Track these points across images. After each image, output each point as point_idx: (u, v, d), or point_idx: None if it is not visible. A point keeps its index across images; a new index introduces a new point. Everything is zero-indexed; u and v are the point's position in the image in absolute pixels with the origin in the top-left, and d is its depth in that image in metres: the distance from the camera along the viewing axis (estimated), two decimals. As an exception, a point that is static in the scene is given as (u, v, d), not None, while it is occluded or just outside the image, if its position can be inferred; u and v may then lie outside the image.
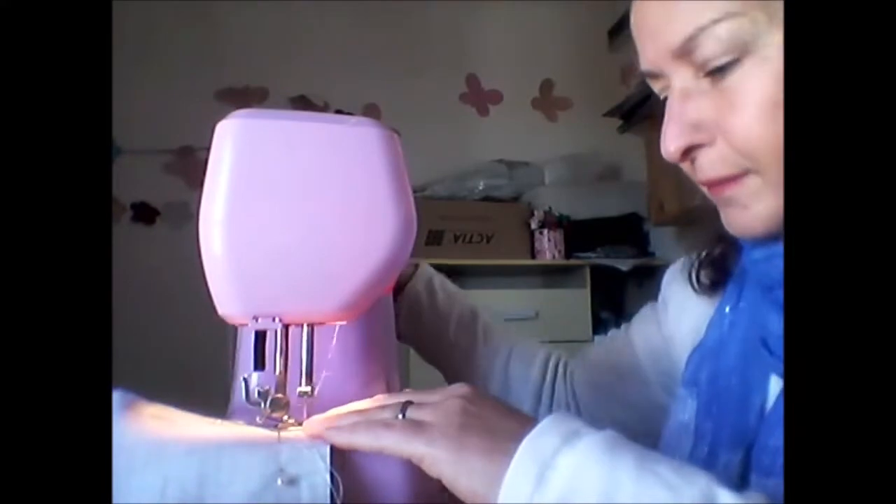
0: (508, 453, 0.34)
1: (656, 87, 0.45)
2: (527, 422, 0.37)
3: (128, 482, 0.34)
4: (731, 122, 0.40)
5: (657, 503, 0.31)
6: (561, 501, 0.32)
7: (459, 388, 0.41)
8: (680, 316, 0.59)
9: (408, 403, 0.40)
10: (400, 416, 0.39)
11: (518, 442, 0.34)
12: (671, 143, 0.42)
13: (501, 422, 0.38)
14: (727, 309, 0.51)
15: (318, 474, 0.37)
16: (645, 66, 0.45)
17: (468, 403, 0.39)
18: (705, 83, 0.41)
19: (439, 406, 0.39)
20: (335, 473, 0.37)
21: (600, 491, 0.32)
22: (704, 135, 0.42)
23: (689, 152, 0.43)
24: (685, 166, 0.44)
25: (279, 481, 0.36)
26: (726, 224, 0.44)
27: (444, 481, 0.35)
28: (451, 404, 0.39)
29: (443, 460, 0.35)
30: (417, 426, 0.37)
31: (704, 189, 0.45)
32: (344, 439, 0.39)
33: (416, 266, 0.72)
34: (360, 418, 0.40)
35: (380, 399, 0.43)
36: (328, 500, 0.36)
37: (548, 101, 2.46)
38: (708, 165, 0.42)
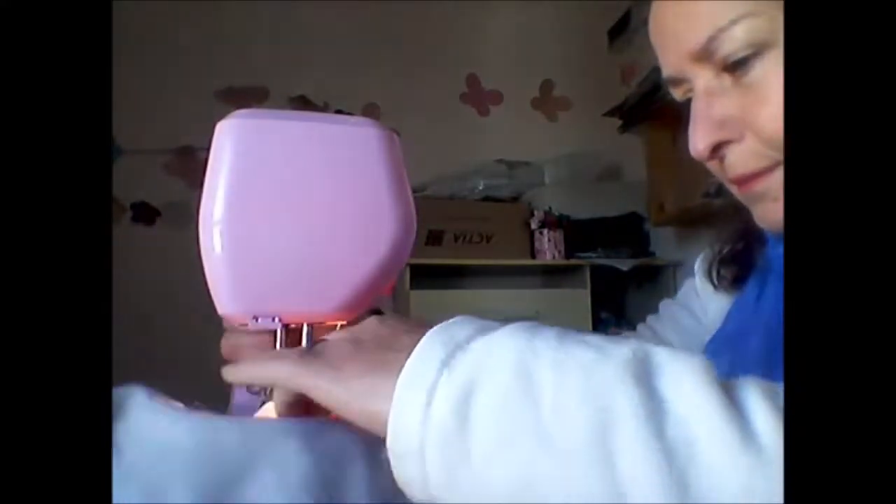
0: (399, 362, 0.30)
1: (678, 92, 0.46)
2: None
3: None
4: (758, 116, 0.40)
5: (580, 363, 0.27)
6: (469, 381, 0.28)
7: (365, 321, 0.38)
8: (707, 304, 0.59)
9: (318, 342, 0.37)
10: (304, 346, 0.38)
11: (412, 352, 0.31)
12: (700, 142, 0.42)
13: (396, 338, 0.34)
14: (750, 299, 0.51)
15: None
16: (667, 72, 0.45)
17: (363, 332, 0.36)
18: (727, 81, 0.41)
19: (335, 340, 0.36)
20: None
21: (515, 362, 0.28)
22: (732, 131, 0.42)
23: (717, 150, 0.43)
24: (713, 166, 0.45)
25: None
26: (759, 220, 0.44)
27: (340, 413, 0.32)
28: (345, 335, 0.36)
29: (329, 390, 0.32)
30: (306, 359, 0.34)
31: (733, 187, 0.45)
32: (241, 375, 0.38)
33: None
34: (257, 353, 0.39)
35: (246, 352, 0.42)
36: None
37: (548, 101, 2.46)
38: (738, 162, 0.42)
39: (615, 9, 2.25)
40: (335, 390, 0.32)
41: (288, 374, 0.34)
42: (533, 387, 0.27)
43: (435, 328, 0.32)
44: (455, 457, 0.27)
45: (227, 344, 0.49)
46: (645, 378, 0.27)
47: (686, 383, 0.26)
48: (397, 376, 0.30)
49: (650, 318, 0.66)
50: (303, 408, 0.38)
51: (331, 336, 0.38)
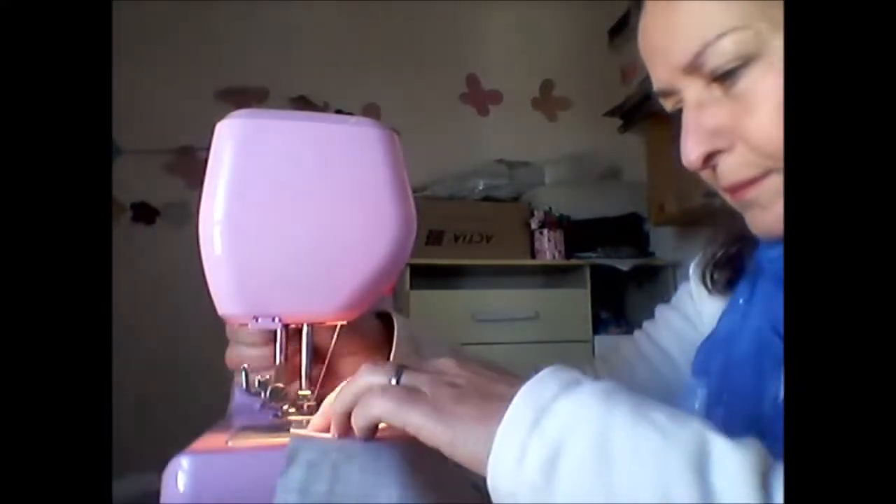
0: (501, 413, 0.34)
1: (669, 104, 0.47)
2: (520, 383, 0.36)
3: None
4: (748, 125, 0.41)
5: (650, 446, 0.31)
6: (555, 445, 0.32)
7: (447, 363, 0.40)
8: (702, 308, 0.60)
9: (402, 367, 0.39)
10: (394, 381, 0.38)
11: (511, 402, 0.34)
12: (692, 151, 0.43)
13: (493, 386, 0.37)
14: (740, 302, 0.51)
15: None
16: (658, 86, 0.46)
17: (458, 377, 0.38)
18: (717, 92, 0.42)
19: (433, 376, 0.38)
20: None
21: (594, 434, 0.32)
22: (723, 141, 0.43)
23: (709, 160, 0.44)
24: (706, 174, 0.46)
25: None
26: (751, 226, 0.46)
27: (443, 452, 0.35)
28: (440, 378, 0.38)
29: (438, 433, 0.35)
30: (412, 396, 0.36)
31: (726, 195, 0.46)
32: (337, 408, 0.38)
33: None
34: (354, 388, 0.39)
35: (368, 366, 0.41)
36: None
37: (548, 101, 2.46)
38: (730, 171, 0.43)
39: (615, 9, 2.25)
40: (445, 433, 0.35)
41: (395, 408, 0.36)
42: (609, 458, 0.31)
43: (525, 387, 0.35)
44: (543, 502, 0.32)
45: (231, 355, 0.49)
46: (703, 471, 0.30)
47: (734, 481, 0.29)
48: (496, 428, 0.33)
49: (646, 324, 0.66)
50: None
51: (415, 366, 0.39)
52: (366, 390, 0.38)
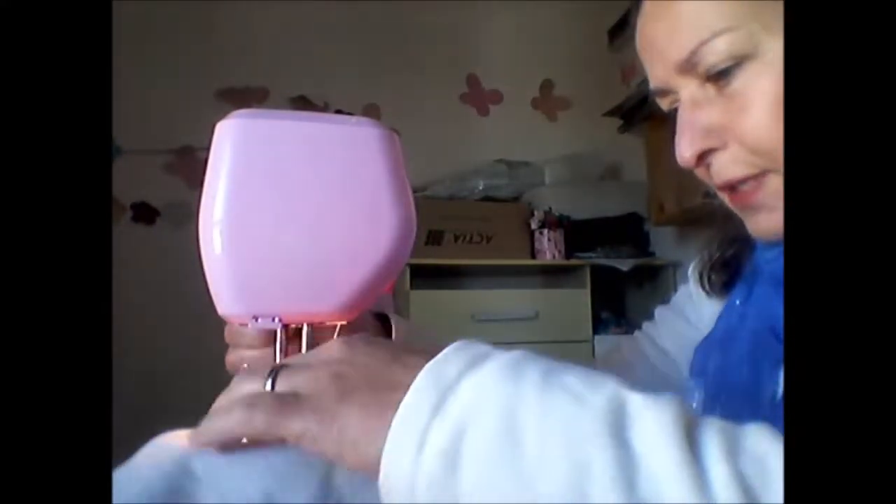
0: (394, 405, 0.30)
1: (664, 103, 0.48)
2: (421, 363, 0.32)
3: None
4: (741, 124, 0.42)
5: (561, 414, 0.28)
6: (458, 429, 0.29)
7: (331, 347, 0.36)
8: (702, 308, 0.60)
9: (279, 367, 0.35)
10: (269, 385, 0.34)
11: (408, 388, 0.30)
12: (686, 149, 0.44)
13: (386, 372, 0.33)
14: (737, 303, 0.51)
15: None
16: (654, 84, 0.47)
17: (344, 364, 0.34)
18: (712, 91, 0.43)
19: (313, 371, 0.34)
20: None
21: (503, 408, 0.29)
22: (717, 139, 0.43)
23: (703, 158, 0.44)
24: (701, 173, 0.46)
25: None
26: (754, 231, 0.46)
27: (333, 460, 0.32)
28: (322, 369, 0.34)
29: (321, 439, 0.31)
30: (286, 403, 0.32)
31: (722, 194, 0.46)
32: (206, 437, 0.34)
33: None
34: (222, 403, 0.35)
35: (241, 373, 0.38)
36: None
37: (548, 101, 2.46)
38: (723, 168, 0.44)
39: (615, 9, 2.25)
40: (329, 437, 0.31)
41: (266, 423, 0.32)
42: (518, 434, 0.28)
43: (428, 367, 0.31)
44: (443, 499, 0.28)
45: (230, 358, 0.49)
46: (619, 433, 0.28)
47: (654, 439, 0.27)
48: (390, 420, 0.30)
49: (646, 325, 0.66)
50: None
51: (296, 363, 0.36)
52: (239, 401, 0.33)
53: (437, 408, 0.29)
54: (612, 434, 0.28)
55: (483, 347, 0.33)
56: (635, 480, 0.26)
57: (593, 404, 0.29)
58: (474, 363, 0.31)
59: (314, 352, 0.37)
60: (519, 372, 0.31)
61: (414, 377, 0.31)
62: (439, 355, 0.32)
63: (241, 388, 0.35)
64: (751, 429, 0.29)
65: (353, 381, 0.33)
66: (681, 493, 0.26)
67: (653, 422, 0.28)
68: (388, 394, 0.31)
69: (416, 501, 0.29)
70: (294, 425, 0.31)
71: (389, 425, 0.30)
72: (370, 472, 0.30)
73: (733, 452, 0.27)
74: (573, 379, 0.30)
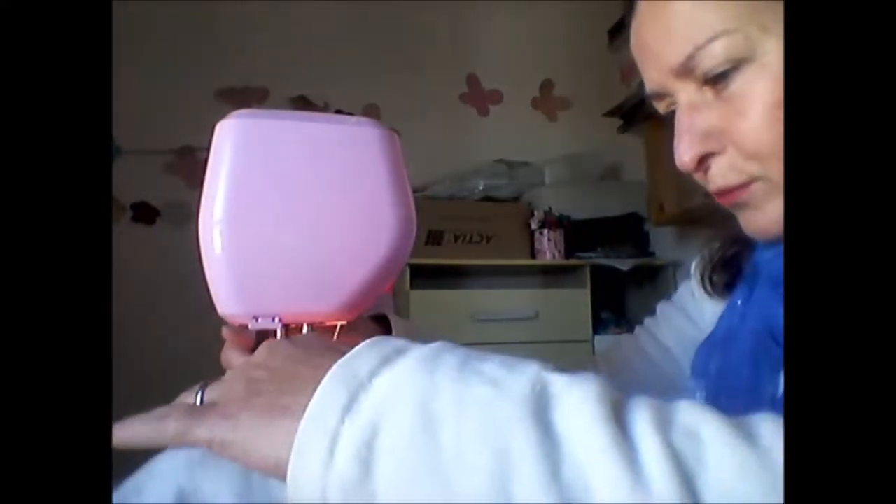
0: (300, 407, 0.29)
1: (661, 106, 0.47)
2: (330, 361, 0.31)
3: None
4: (738, 127, 0.41)
5: (479, 402, 0.27)
6: (371, 426, 0.27)
7: (258, 352, 0.36)
8: (703, 307, 0.60)
9: (207, 384, 0.35)
10: (199, 397, 0.35)
11: (315, 388, 0.29)
12: (685, 153, 0.43)
13: (293, 376, 0.32)
14: (738, 303, 0.51)
15: None
16: (650, 88, 0.46)
17: (257, 368, 0.34)
18: (709, 94, 0.42)
19: (229, 381, 0.34)
20: None
21: (417, 402, 0.28)
22: (715, 143, 0.43)
23: (702, 162, 0.44)
24: (699, 176, 0.46)
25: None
26: (744, 227, 0.46)
27: (241, 464, 0.31)
28: (238, 375, 0.34)
29: (228, 442, 0.31)
30: (194, 412, 0.32)
31: (716, 198, 0.46)
32: (121, 437, 0.34)
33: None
34: (141, 416, 0.35)
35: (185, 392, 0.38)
36: None
37: (548, 101, 2.46)
38: (719, 174, 0.44)
39: (615, 9, 2.24)
40: (233, 443, 0.31)
41: (178, 430, 0.32)
42: (434, 428, 0.27)
43: (338, 364, 0.30)
44: (359, 501, 0.27)
45: (223, 357, 0.50)
46: (541, 415, 0.26)
47: (581, 419, 0.26)
48: (297, 421, 0.29)
49: (647, 321, 0.66)
50: None
51: (227, 374, 0.36)
52: (161, 410, 0.34)
53: (348, 407, 0.28)
54: (533, 417, 0.26)
55: (398, 343, 0.32)
56: (559, 464, 0.25)
57: (512, 389, 0.28)
58: (388, 359, 0.30)
59: (244, 360, 0.37)
60: (434, 364, 0.29)
61: (322, 376, 0.30)
62: (350, 353, 0.31)
63: (179, 399, 0.36)
64: (682, 404, 0.28)
65: (263, 384, 0.33)
66: (609, 472, 0.24)
67: (577, 402, 0.27)
68: (291, 398, 0.31)
69: None
70: (201, 432, 0.31)
71: (293, 429, 0.28)
72: (279, 475, 0.29)
73: (663, 427, 0.26)
74: (491, 365, 0.29)
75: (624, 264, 2.02)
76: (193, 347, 1.77)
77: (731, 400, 0.47)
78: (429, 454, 0.26)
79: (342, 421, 0.28)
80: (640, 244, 2.13)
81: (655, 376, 0.61)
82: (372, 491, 0.27)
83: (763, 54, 0.39)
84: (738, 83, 0.41)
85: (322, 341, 0.36)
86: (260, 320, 0.42)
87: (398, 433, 0.27)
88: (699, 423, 0.26)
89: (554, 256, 2.02)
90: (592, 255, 2.04)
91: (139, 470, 0.36)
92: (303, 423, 0.28)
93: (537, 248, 2.05)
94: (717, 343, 0.52)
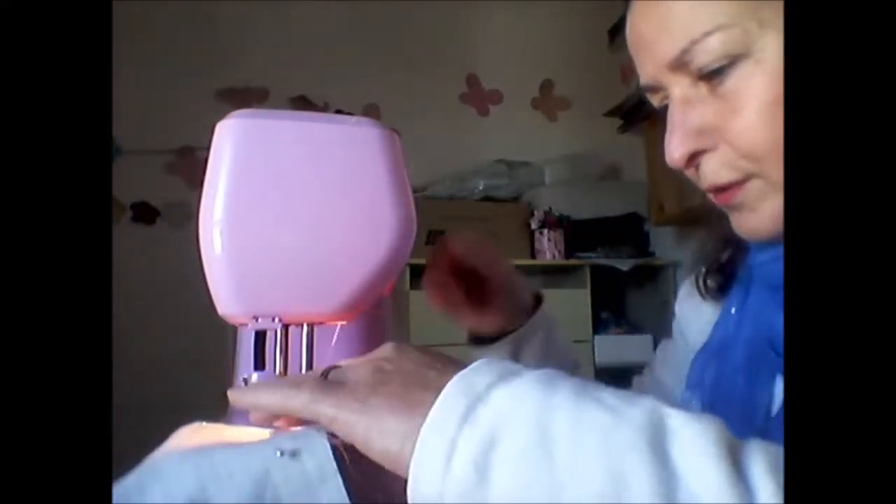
0: (425, 403, 0.30)
1: (655, 100, 0.46)
2: (453, 371, 0.32)
3: None
4: (733, 125, 0.40)
5: (596, 426, 0.28)
6: (489, 436, 0.28)
7: (383, 348, 0.38)
8: (689, 323, 0.59)
9: (332, 368, 0.37)
10: (322, 376, 0.36)
11: (439, 391, 0.31)
12: (675, 150, 0.43)
13: (421, 373, 0.34)
14: (733, 310, 0.51)
15: (318, 444, 0.35)
16: (644, 81, 0.45)
17: (386, 362, 0.35)
18: (704, 90, 0.41)
19: (356, 367, 0.36)
20: (334, 442, 0.35)
21: (534, 419, 0.28)
22: (708, 140, 0.42)
23: (693, 159, 0.43)
24: (690, 174, 0.45)
25: (278, 453, 0.36)
26: (736, 228, 0.45)
27: (358, 447, 0.32)
28: (366, 364, 0.36)
29: (352, 423, 0.32)
30: (326, 387, 0.34)
31: (710, 196, 0.45)
32: (248, 399, 0.36)
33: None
34: (273, 379, 0.37)
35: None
36: (335, 466, 0.35)
37: (548, 101, 2.46)
38: (712, 172, 0.43)
39: (615, 9, 2.24)
40: (358, 424, 0.32)
41: (306, 401, 0.33)
42: (551, 446, 0.28)
43: (457, 376, 0.31)
44: None
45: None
46: (659, 446, 0.27)
47: (698, 454, 0.26)
48: (421, 418, 0.30)
49: (652, 361, 0.66)
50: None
51: (347, 363, 0.37)
52: (288, 380, 0.36)
53: (466, 416, 0.29)
54: (651, 448, 0.27)
55: (513, 365, 0.33)
56: (674, 496, 0.25)
57: (630, 417, 0.28)
58: (504, 376, 0.31)
59: (371, 353, 0.38)
60: (551, 385, 0.30)
61: (446, 382, 0.31)
62: (469, 367, 0.32)
63: (298, 375, 0.37)
64: None
65: (389, 376, 0.34)
66: None
67: (695, 438, 0.27)
68: (416, 392, 0.32)
69: None
70: (327, 408, 0.33)
71: (415, 425, 0.30)
72: (395, 467, 0.30)
73: (778, 472, 0.26)
74: (608, 394, 0.30)
75: (624, 264, 2.02)
76: (193, 347, 1.78)
77: (726, 410, 0.47)
78: (543, 471, 0.27)
79: (460, 430, 0.29)
80: (640, 244, 2.13)
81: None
82: (486, 498, 0.27)
83: (760, 50, 0.39)
84: (733, 79, 0.40)
85: (447, 355, 0.37)
86: (260, 320, 0.42)
87: (514, 446, 0.28)
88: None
89: (554, 256, 2.02)
90: (592, 255, 2.04)
91: (139, 467, 0.36)
92: (424, 427, 0.29)
93: (537, 248, 2.05)
94: (712, 353, 0.51)
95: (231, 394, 0.37)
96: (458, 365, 0.33)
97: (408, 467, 0.29)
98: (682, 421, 0.28)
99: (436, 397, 0.30)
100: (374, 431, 0.31)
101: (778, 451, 0.28)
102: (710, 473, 0.26)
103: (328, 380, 0.35)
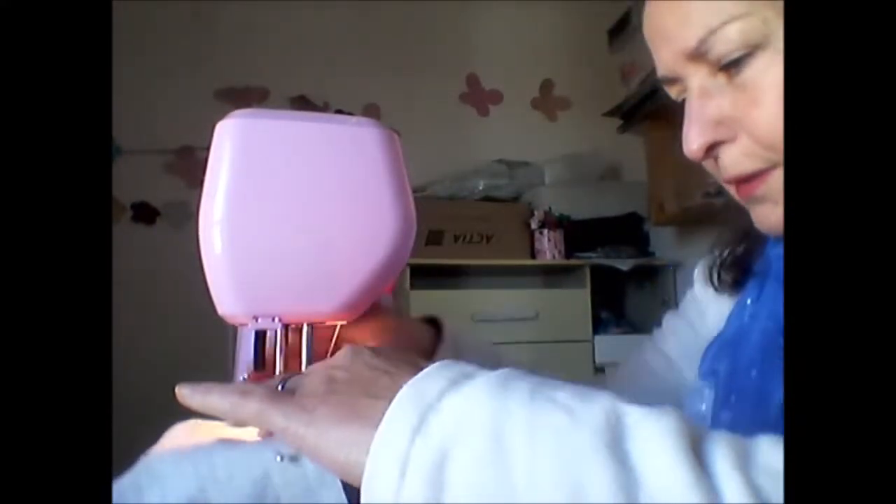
0: (375, 412, 0.30)
1: (673, 92, 0.46)
2: (409, 375, 0.32)
3: None
4: (752, 116, 0.40)
5: (552, 429, 0.27)
6: (441, 448, 0.27)
7: (339, 353, 0.37)
8: (706, 311, 0.59)
9: (290, 375, 0.37)
10: (280, 385, 0.36)
11: (390, 401, 0.30)
12: (694, 141, 0.42)
13: (374, 380, 0.33)
14: (748, 301, 0.50)
15: None
16: (661, 72, 0.45)
17: (339, 369, 0.35)
18: (722, 80, 0.41)
19: (309, 375, 0.35)
20: None
21: (488, 426, 0.28)
22: (726, 131, 0.42)
23: (711, 150, 0.43)
24: (709, 165, 0.44)
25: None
26: (758, 223, 0.44)
27: (309, 458, 0.32)
28: (319, 372, 0.35)
29: (301, 434, 0.31)
30: (276, 397, 0.33)
31: (731, 189, 0.45)
32: (197, 400, 0.35)
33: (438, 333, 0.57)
34: (222, 386, 0.36)
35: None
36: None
37: (548, 101, 2.46)
38: (732, 162, 0.42)
39: (615, 9, 2.25)
40: (306, 436, 0.31)
41: (255, 412, 0.33)
42: (506, 454, 0.27)
43: (408, 384, 0.31)
44: None
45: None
46: (617, 446, 0.26)
47: (660, 454, 0.26)
48: (370, 429, 0.29)
49: (655, 331, 0.65)
50: None
51: (308, 369, 0.37)
52: (245, 388, 0.35)
53: (417, 429, 0.28)
54: (608, 449, 0.26)
55: (467, 367, 0.32)
56: (636, 499, 0.25)
57: (587, 419, 0.27)
58: (457, 381, 0.30)
59: (329, 359, 0.38)
60: (505, 388, 0.29)
61: (398, 389, 0.30)
62: (420, 373, 0.31)
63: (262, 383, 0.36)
64: (762, 441, 0.27)
65: (342, 384, 0.33)
66: None
67: (654, 436, 0.26)
68: (365, 400, 0.31)
69: None
70: (277, 419, 0.32)
71: (364, 435, 0.29)
72: (346, 478, 0.30)
73: (745, 465, 0.26)
74: (564, 394, 0.29)
75: (624, 264, 2.02)
76: (193, 347, 1.78)
77: (740, 400, 0.47)
78: (501, 480, 0.26)
79: (411, 445, 0.28)
80: (640, 244, 2.13)
81: (658, 386, 0.61)
82: None
83: (778, 40, 0.38)
84: (752, 69, 0.39)
85: (403, 355, 0.36)
86: (260, 320, 0.42)
87: (469, 457, 0.27)
88: (780, 461, 0.26)
89: (554, 256, 2.02)
90: (592, 255, 2.04)
91: (135, 467, 0.36)
92: (373, 445, 0.29)
93: (537, 248, 2.05)
94: (726, 343, 0.51)
95: (180, 390, 0.36)
96: (416, 368, 0.32)
97: (359, 478, 0.29)
98: (639, 417, 0.27)
99: (386, 406, 0.30)
100: (322, 442, 0.31)
101: (745, 442, 0.27)
102: (673, 474, 0.25)
103: (283, 389, 0.35)
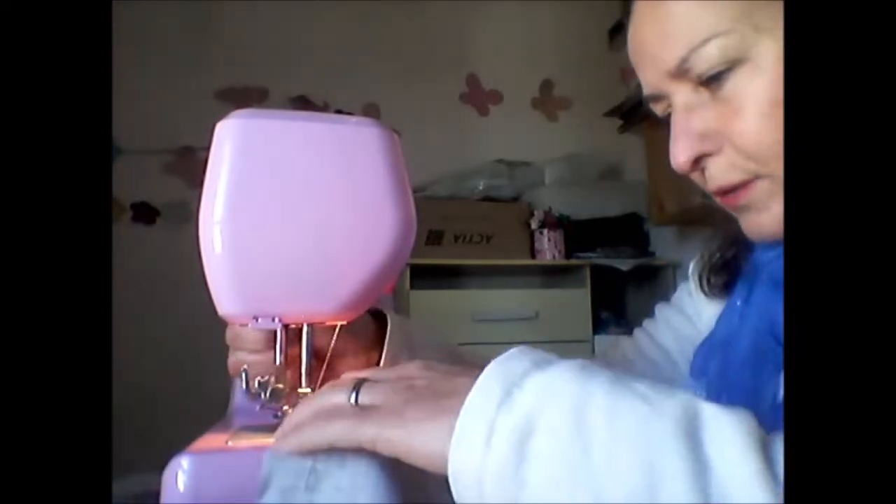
0: (456, 408, 0.31)
1: (658, 108, 0.47)
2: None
3: None
4: (735, 127, 0.41)
5: (632, 416, 0.29)
6: (527, 421, 0.29)
7: (408, 366, 0.39)
8: (702, 310, 0.60)
9: (361, 382, 0.38)
10: (353, 398, 0.37)
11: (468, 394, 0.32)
12: (680, 154, 0.44)
13: (452, 382, 0.35)
14: (738, 302, 0.51)
15: (349, 460, 0.36)
16: (647, 91, 0.47)
17: (415, 378, 0.37)
18: (705, 95, 0.43)
19: (387, 385, 0.37)
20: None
21: (571, 405, 0.29)
22: (711, 143, 0.43)
23: (698, 163, 0.44)
24: (696, 177, 0.46)
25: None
26: (745, 230, 0.46)
27: (403, 459, 0.33)
28: (395, 383, 0.37)
29: (393, 439, 0.33)
30: (364, 412, 0.35)
31: (717, 199, 0.46)
32: (293, 445, 0.36)
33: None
34: (307, 413, 0.37)
35: (336, 381, 0.40)
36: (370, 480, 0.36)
37: (548, 101, 2.46)
38: (718, 174, 0.44)
39: (615, 9, 2.24)
40: (400, 438, 0.33)
41: (347, 429, 0.35)
42: (588, 432, 0.29)
43: (493, 363, 0.33)
44: (511, 491, 0.29)
45: (231, 360, 0.49)
46: (693, 436, 0.28)
47: (731, 446, 0.27)
48: (454, 420, 0.31)
49: (646, 322, 0.66)
50: None
51: (376, 377, 0.38)
52: (321, 412, 0.36)
53: (503, 402, 0.30)
54: (685, 437, 0.28)
55: (548, 354, 0.34)
56: (707, 485, 0.26)
57: (665, 408, 0.29)
58: (539, 364, 0.32)
59: (394, 368, 0.40)
60: (586, 374, 0.31)
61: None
62: (503, 355, 0.33)
63: (327, 399, 0.38)
64: None
65: (420, 390, 0.36)
66: (756, 501, 0.26)
67: (728, 429, 0.28)
68: (450, 399, 0.33)
69: (484, 494, 0.29)
70: (368, 430, 0.34)
71: (452, 426, 0.31)
72: (440, 469, 0.31)
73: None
74: (642, 386, 0.31)
75: (624, 264, 2.02)
76: (193, 348, 1.78)
77: (731, 400, 0.47)
78: (580, 457, 0.28)
79: (498, 413, 0.30)
80: (640, 244, 2.13)
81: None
82: (523, 484, 0.28)
83: (757, 54, 0.40)
84: (733, 83, 0.41)
85: (476, 366, 0.38)
86: (260, 320, 0.42)
87: (551, 432, 0.29)
88: None
89: (554, 256, 2.02)
90: (592, 255, 2.04)
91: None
92: (461, 415, 0.31)
93: (537, 248, 2.05)
94: (716, 343, 0.52)
95: (279, 443, 0.37)
96: None
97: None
98: (715, 412, 0.29)
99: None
100: (416, 440, 0.32)
101: None
102: (743, 465, 0.27)
103: (356, 399, 0.37)
